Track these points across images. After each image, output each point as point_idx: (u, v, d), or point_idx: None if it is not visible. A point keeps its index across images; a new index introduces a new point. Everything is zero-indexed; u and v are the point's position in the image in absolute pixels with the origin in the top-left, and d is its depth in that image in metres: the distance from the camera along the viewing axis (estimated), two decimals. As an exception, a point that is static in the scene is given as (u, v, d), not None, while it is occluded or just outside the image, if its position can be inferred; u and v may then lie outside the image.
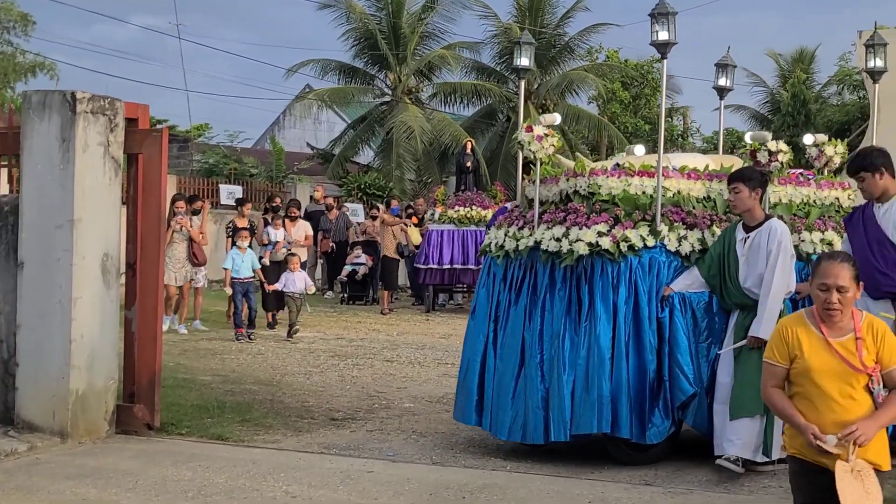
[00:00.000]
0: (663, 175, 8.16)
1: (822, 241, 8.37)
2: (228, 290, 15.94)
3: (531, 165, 8.68)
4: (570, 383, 7.82)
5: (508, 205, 13.41)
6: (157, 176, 9.00)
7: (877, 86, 9.52)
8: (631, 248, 7.84)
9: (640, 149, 9.49)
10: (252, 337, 15.44)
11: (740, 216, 7.82)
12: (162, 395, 9.19)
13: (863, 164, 7.72)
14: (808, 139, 9.26)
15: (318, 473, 7.60)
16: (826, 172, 9.09)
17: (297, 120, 41.47)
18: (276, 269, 16.92)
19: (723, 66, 10.20)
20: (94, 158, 8.64)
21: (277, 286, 16.16)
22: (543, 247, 8.10)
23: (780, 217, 8.17)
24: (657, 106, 38.98)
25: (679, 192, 8.24)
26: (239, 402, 10.29)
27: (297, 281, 16.14)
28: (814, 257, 8.07)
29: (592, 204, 8.12)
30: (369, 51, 33.59)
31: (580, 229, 7.94)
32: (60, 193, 8.54)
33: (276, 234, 17.76)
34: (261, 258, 17.09)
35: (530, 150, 8.38)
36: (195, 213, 16.92)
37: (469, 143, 23.73)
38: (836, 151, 9.02)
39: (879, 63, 9.48)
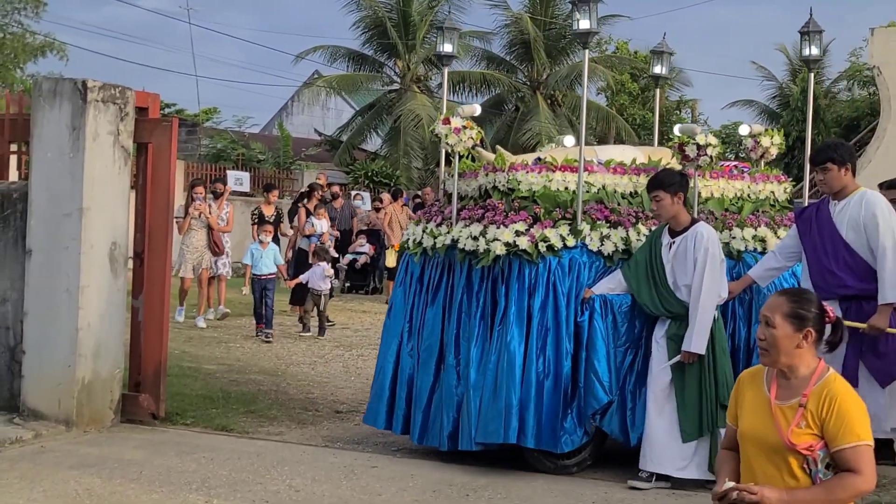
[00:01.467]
0: (587, 170, 7.81)
1: (754, 237, 8.01)
2: (245, 290, 15.19)
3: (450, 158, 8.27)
4: (480, 390, 7.45)
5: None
6: (167, 165, 9.01)
7: (811, 75, 9.27)
8: (550, 248, 7.44)
9: (569, 140, 9.22)
10: (270, 338, 14.15)
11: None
12: (167, 384, 9.20)
13: (832, 155, 7.40)
14: (743, 130, 8.97)
15: (322, 468, 7.61)
16: (762, 165, 8.75)
17: (305, 106, 41.45)
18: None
19: (658, 54, 9.84)
20: (103, 147, 8.65)
21: (302, 279, 15.10)
22: (460, 245, 7.71)
23: (712, 214, 7.97)
24: (666, 98, 39.01)
25: (604, 188, 7.88)
26: (244, 393, 10.31)
27: (317, 276, 14.88)
28: (745, 255, 7.89)
29: (511, 201, 7.72)
30: (378, 38, 33.54)
31: (497, 228, 7.53)
32: (69, 182, 8.55)
33: (321, 224, 17.47)
34: (300, 249, 16.87)
35: (447, 143, 7.91)
36: (217, 196, 16.35)
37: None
38: (773, 142, 8.67)
39: (815, 51, 9.01)
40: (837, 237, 7.34)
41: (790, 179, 8.96)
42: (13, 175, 9.97)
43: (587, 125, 35.24)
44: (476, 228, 7.65)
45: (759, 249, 7.99)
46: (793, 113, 33.72)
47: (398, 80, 34.55)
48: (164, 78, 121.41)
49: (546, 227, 7.49)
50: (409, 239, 8.43)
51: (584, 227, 7.56)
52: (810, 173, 8.15)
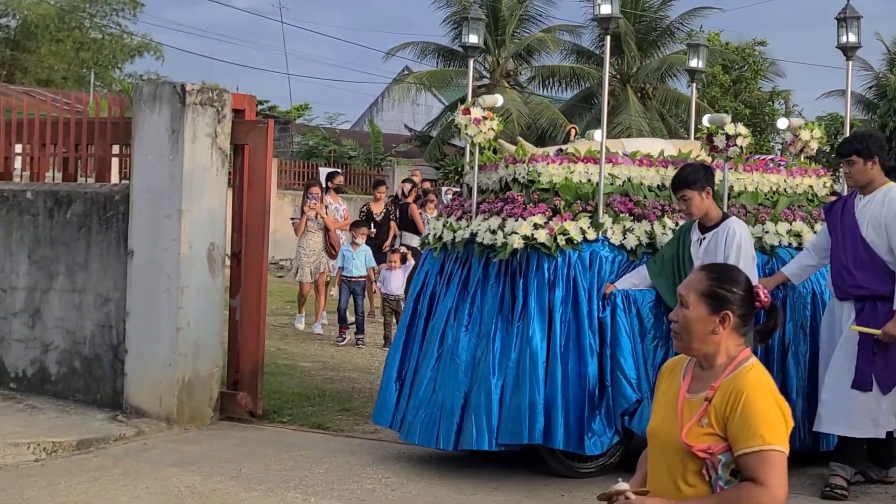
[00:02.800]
0: (612, 161, 7.55)
1: (788, 232, 7.76)
2: (334, 292, 14.33)
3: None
4: (499, 388, 7.11)
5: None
6: (263, 166, 9.14)
7: (849, 63, 8.55)
8: (569, 241, 7.15)
9: (598, 133, 8.87)
10: (360, 342, 13.53)
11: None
12: (264, 382, 9.34)
13: (857, 146, 7.02)
14: (781, 123, 8.66)
15: (417, 466, 7.66)
16: (802, 158, 8.45)
17: (395, 102, 41.56)
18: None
19: (694, 47, 9.60)
20: (202, 149, 8.80)
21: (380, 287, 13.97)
22: (479, 239, 7.46)
23: (744, 208, 7.74)
24: (758, 89, 38.46)
25: (629, 180, 7.59)
26: (339, 391, 10.42)
27: (394, 280, 13.68)
28: (779, 251, 7.68)
29: (531, 193, 7.44)
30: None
31: (516, 221, 7.26)
32: (169, 183, 8.72)
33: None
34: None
35: (467, 133, 7.67)
36: (338, 190, 15.67)
37: (573, 129, 23.40)
38: (813, 136, 8.37)
39: (852, 38, 8.52)
40: (857, 234, 7.00)
41: (831, 173, 8.67)
42: (115, 177, 10.21)
43: (678, 118, 35.05)
44: (495, 222, 7.41)
45: (795, 245, 7.75)
46: (890, 103, 32.97)
47: (487, 75, 34.55)
48: (256, 75, 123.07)
49: (566, 219, 7.23)
50: (429, 234, 8.22)
51: (606, 219, 7.31)
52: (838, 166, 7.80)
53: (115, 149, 9.82)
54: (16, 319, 9.69)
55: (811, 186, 8.30)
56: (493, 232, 7.36)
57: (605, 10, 7.50)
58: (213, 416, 8.89)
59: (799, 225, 7.81)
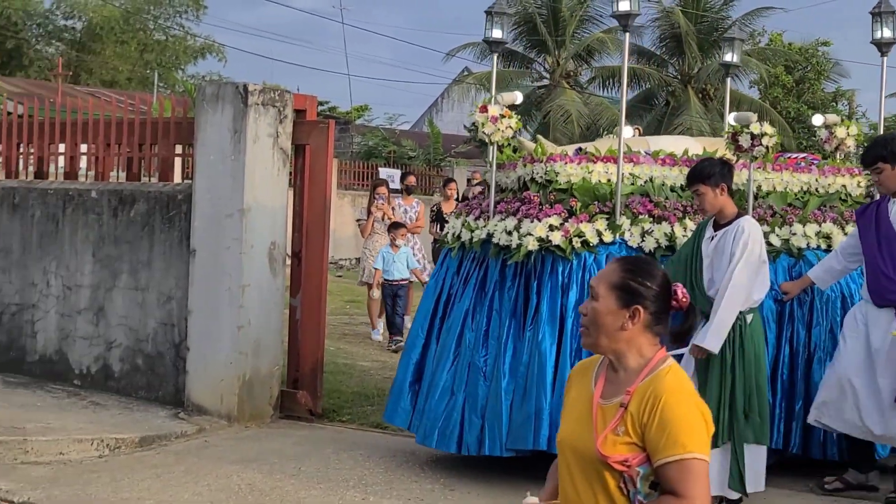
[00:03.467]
0: (633, 161, 7.34)
1: (817, 234, 7.47)
2: (376, 294, 13.63)
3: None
4: (510, 393, 6.97)
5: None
6: (323, 166, 9.19)
7: (884, 59, 8.26)
8: (585, 243, 6.95)
9: (627, 130, 8.56)
10: (392, 345, 12.97)
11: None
12: (323, 381, 9.39)
13: (881, 153, 6.72)
14: (817, 120, 8.33)
15: (476, 466, 7.65)
16: (838, 157, 8.14)
17: (454, 103, 41.60)
18: None
19: (729, 41, 9.08)
20: (263, 149, 8.86)
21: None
22: (495, 240, 7.29)
23: (770, 208, 7.51)
24: (822, 90, 38.00)
25: (651, 181, 7.36)
26: (397, 390, 10.41)
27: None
28: (807, 253, 7.42)
29: (548, 193, 7.25)
30: (528, 35, 33.55)
31: (532, 222, 7.08)
32: (231, 183, 8.79)
33: None
34: None
35: (484, 132, 7.43)
36: (409, 191, 15.17)
37: (637, 130, 23.19)
38: (850, 133, 8.05)
39: (887, 34, 8.18)
40: (894, 237, 6.72)
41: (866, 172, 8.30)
42: (177, 177, 10.31)
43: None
44: (511, 222, 7.24)
45: (824, 247, 7.50)
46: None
47: (547, 75, 34.50)
48: (317, 76, 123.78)
49: (582, 221, 7.03)
50: (448, 232, 8.03)
51: (624, 221, 7.09)
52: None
53: (178, 149, 9.91)
54: (80, 317, 9.82)
55: (844, 186, 7.99)
56: (509, 233, 7.21)
57: (624, 6, 7.27)
58: (273, 415, 8.95)
59: (829, 226, 7.57)
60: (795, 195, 7.76)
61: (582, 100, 32.86)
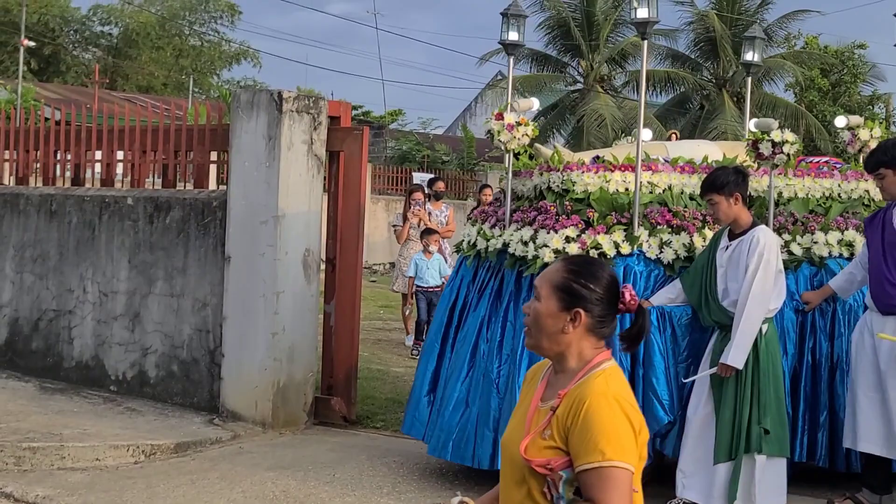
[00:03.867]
0: (651, 169, 7.14)
1: (839, 242, 7.26)
2: (410, 310, 13.46)
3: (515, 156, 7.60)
4: None
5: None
6: (357, 173, 9.21)
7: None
8: (602, 255, 6.75)
9: (647, 133, 8.31)
10: (416, 352, 12.36)
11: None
12: (357, 387, 9.40)
13: (882, 158, 6.54)
14: (839, 122, 8.07)
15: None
16: (862, 160, 7.80)
17: (488, 107, 41.62)
18: None
19: (750, 39, 8.83)
20: (297, 156, 8.89)
21: None
22: (511, 250, 7.10)
23: (792, 216, 7.32)
24: (858, 93, 37.75)
25: (670, 189, 7.18)
26: (431, 396, 10.42)
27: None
28: (829, 262, 7.24)
29: (565, 203, 7.07)
30: (562, 39, 33.52)
31: (548, 233, 6.91)
32: (266, 190, 8.82)
33: None
34: None
35: (500, 140, 7.29)
36: (437, 196, 14.87)
37: (673, 134, 22.99)
38: (873, 135, 7.77)
39: None
40: None
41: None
42: (212, 183, 10.36)
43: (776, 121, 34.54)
44: (527, 232, 7.06)
45: (846, 255, 7.30)
46: None
47: (581, 79, 34.45)
48: (351, 79, 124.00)
49: (599, 232, 6.86)
50: (464, 240, 7.83)
51: (642, 232, 6.92)
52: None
53: (213, 155, 9.96)
54: (116, 323, 9.88)
55: (867, 191, 7.78)
56: (525, 243, 7.02)
57: (643, 13, 7.08)
58: (307, 421, 8.97)
59: (851, 234, 7.35)
60: (817, 201, 7.59)
61: (616, 104, 32.79)
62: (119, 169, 10.83)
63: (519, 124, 7.28)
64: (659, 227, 6.95)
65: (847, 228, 7.38)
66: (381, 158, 32.51)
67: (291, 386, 8.86)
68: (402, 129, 40.53)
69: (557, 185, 7.15)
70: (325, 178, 9.31)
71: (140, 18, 45.70)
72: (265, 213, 8.82)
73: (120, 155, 10.64)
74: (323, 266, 9.27)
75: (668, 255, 6.90)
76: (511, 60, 8.17)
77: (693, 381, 6.64)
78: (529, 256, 6.92)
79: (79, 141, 10.75)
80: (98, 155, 10.81)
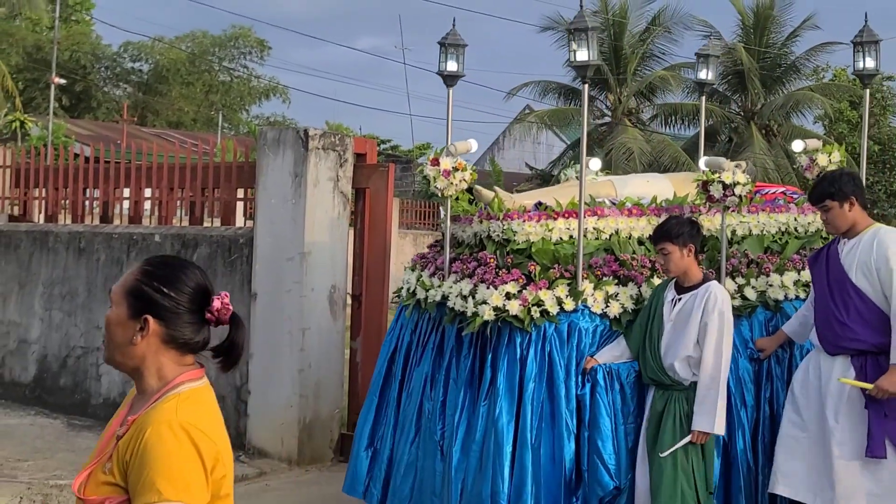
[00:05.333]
0: (597, 213, 6.62)
1: (796, 283, 6.76)
2: None
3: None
4: (462, 472, 6.24)
5: None
6: (383, 209, 9.22)
7: (866, 92, 7.60)
8: (545, 312, 6.22)
9: (595, 163, 7.91)
10: None
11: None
12: (384, 424, 9.37)
13: (829, 190, 6.13)
14: (796, 146, 7.52)
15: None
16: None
17: (516, 141, 41.81)
18: None
19: (704, 57, 7.97)
20: (324, 193, 8.92)
21: None
22: (450, 304, 6.55)
23: (745, 257, 6.84)
24: (888, 125, 37.57)
25: (617, 234, 6.65)
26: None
27: None
28: (785, 305, 6.73)
29: (506, 254, 6.51)
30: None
31: (487, 288, 6.32)
32: (292, 227, 8.85)
33: None
34: None
35: (436, 187, 6.74)
36: None
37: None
38: (832, 160, 7.26)
39: (870, 64, 7.39)
40: (846, 282, 6.08)
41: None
42: (239, 220, 10.41)
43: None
44: (466, 286, 6.48)
45: (804, 296, 6.76)
46: None
47: (609, 113, 34.44)
48: (379, 114, 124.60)
49: (541, 288, 6.27)
50: (403, 287, 7.29)
51: (587, 286, 6.34)
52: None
53: (240, 192, 10.01)
54: (143, 359, 9.89)
55: None
56: (465, 298, 6.46)
57: (582, 56, 6.48)
58: (333, 458, 8.95)
59: (808, 273, 6.70)
60: (773, 238, 7.13)
61: (644, 137, 32.73)
62: (147, 206, 10.91)
63: (456, 169, 6.72)
64: (605, 278, 6.44)
65: (804, 268, 6.85)
66: (409, 193, 32.59)
67: (317, 422, 8.85)
68: (431, 162, 40.65)
69: (498, 235, 6.60)
70: (351, 214, 9.33)
71: (170, 55, 46.14)
72: (291, 249, 8.84)
73: (148, 192, 10.72)
74: (349, 302, 9.28)
75: (614, 310, 6.37)
76: (451, 92, 7.40)
77: (640, 447, 6.15)
78: (469, 313, 6.36)
79: (107, 178, 10.84)
80: (126, 192, 10.90)
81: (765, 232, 7.09)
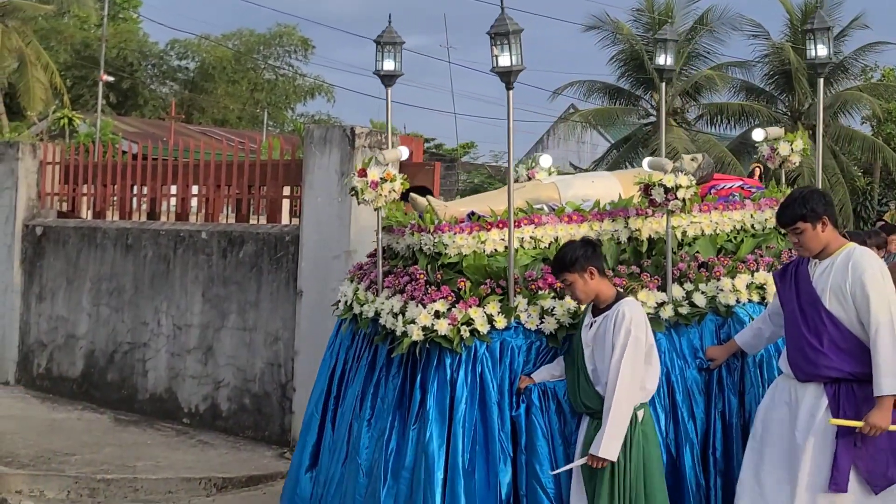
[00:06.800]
0: (534, 222, 6.20)
1: (750, 286, 6.32)
2: None
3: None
4: (391, 499, 5.92)
5: None
6: (429, 208, 9.20)
7: (821, 80, 7.29)
8: (474, 332, 5.85)
9: (546, 159, 7.56)
10: None
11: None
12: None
13: (800, 211, 5.66)
14: (757, 134, 7.19)
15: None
16: (784, 177, 7.10)
17: (560, 140, 41.64)
18: None
19: (662, 41, 7.33)
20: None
21: None
22: (381, 321, 6.22)
23: (695, 260, 6.37)
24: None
25: (556, 242, 6.19)
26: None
27: None
28: (738, 310, 6.29)
29: (437, 268, 6.10)
30: (635, 72, 33.39)
31: (417, 305, 5.97)
32: (338, 225, 8.87)
33: None
34: None
35: (364, 199, 6.37)
36: None
37: (757, 168, 22.45)
38: (794, 149, 6.94)
39: (822, 52, 6.99)
40: (819, 306, 5.64)
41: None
42: (285, 218, 10.45)
43: (850, 155, 34.12)
44: (397, 303, 6.14)
45: (758, 299, 6.36)
46: None
47: (654, 112, 34.26)
48: (423, 112, 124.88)
49: (471, 305, 5.90)
50: (340, 299, 6.97)
51: (520, 301, 5.96)
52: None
53: (286, 190, 10.05)
54: (189, 356, 9.97)
55: None
56: (396, 315, 6.11)
57: (504, 62, 6.09)
58: (377, 456, 8.94)
59: (763, 275, 6.38)
60: (728, 237, 6.63)
61: (689, 137, 32.54)
62: (194, 203, 10.97)
63: (384, 180, 6.34)
64: (541, 292, 6.02)
65: (758, 269, 6.42)
66: (453, 191, 32.57)
67: (362, 421, 8.85)
68: (474, 161, 40.62)
69: (429, 248, 6.18)
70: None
71: (216, 53, 46.39)
72: (337, 247, 8.86)
73: (195, 189, 10.78)
74: (394, 301, 9.27)
75: (549, 325, 5.96)
76: (389, 92, 7.12)
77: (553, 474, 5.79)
78: (398, 332, 6.02)
79: (154, 175, 10.91)
80: (173, 189, 10.97)
81: (718, 231, 6.58)
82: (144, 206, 11.30)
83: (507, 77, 6.11)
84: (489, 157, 42.63)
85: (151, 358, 10.33)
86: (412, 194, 6.67)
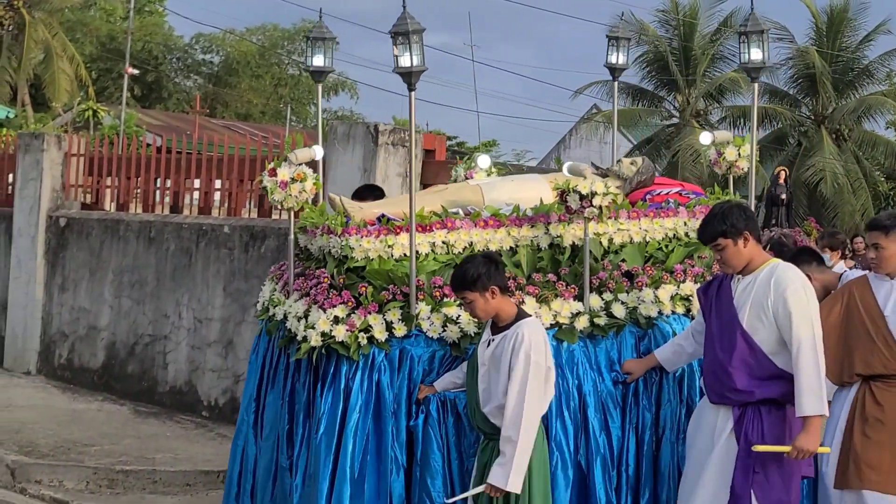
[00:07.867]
0: (447, 226, 5.95)
1: (674, 297, 6.03)
2: None
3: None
4: None
5: None
6: (451, 206, 9.22)
7: (755, 85, 7.15)
8: (371, 339, 5.63)
9: (484, 160, 7.29)
10: None
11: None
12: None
13: (720, 228, 5.46)
14: (704, 138, 6.98)
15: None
16: (731, 181, 6.89)
17: (582, 140, 41.61)
18: None
19: (614, 39, 7.47)
20: (393, 188, 8.94)
21: None
22: (287, 325, 5.97)
23: (617, 269, 6.07)
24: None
25: (471, 248, 5.92)
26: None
27: None
28: (659, 323, 6.01)
29: (343, 272, 5.86)
30: (658, 73, 33.33)
31: (318, 310, 5.74)
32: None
33: None
34: None
35: (274, 199, 6.10)
36: None
37: (783, 171, 22.04)
38: (741, 154, 6.73)
39: (757, 56, 6.83)
40: (736, 324, 5.45)
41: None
42: (307, 213, 10.47)
43: (874, 160, 33.95)
44: (302, 306, 5.90)
45: (682, 311, 6.08)
46: None
47: (677, 114, 34.20)
48: (445, 110, 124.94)
49: (370, 312, 5.67)
50: (259, 301, 6.72)
51: (423, 308, 5.70)
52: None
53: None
54: (210, 349, 10.02)
55: None
56: (299, 319, 5.89)
57: (405, 62, 5.88)
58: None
59: (689, 286, 6.07)
60: (658, 245, 6.30)
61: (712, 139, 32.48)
62: (217, 197, 11.02)
63: (295, 180, 6.05)
64: (446, 300, 5.75)
65: (685, 280, 6.13)
66: (473, 189, 32.58)
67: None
68: (497, 160, 40.61)
69: (336, 251, 5.92)
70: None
71: (241, 47, 46.57)
72: (358, 244, 8.86)
73: (218, 183, 10.83)
74: (414, 298, 9.28)
75: (453, 334, 5.71)
76: (319, 88, 6.97)
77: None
78: (299, 337, 5.81)
79: (178, 169, 10.96)
80: (196, 183, 11.02)
81: (648, 239, 6.27)
82: (167, 200, 11.35)
83: (409, 78, 5.92)
84: (511, 156, 42.64)
85: (172, 351, 10.38)
86: (330, 194, 6.53)
